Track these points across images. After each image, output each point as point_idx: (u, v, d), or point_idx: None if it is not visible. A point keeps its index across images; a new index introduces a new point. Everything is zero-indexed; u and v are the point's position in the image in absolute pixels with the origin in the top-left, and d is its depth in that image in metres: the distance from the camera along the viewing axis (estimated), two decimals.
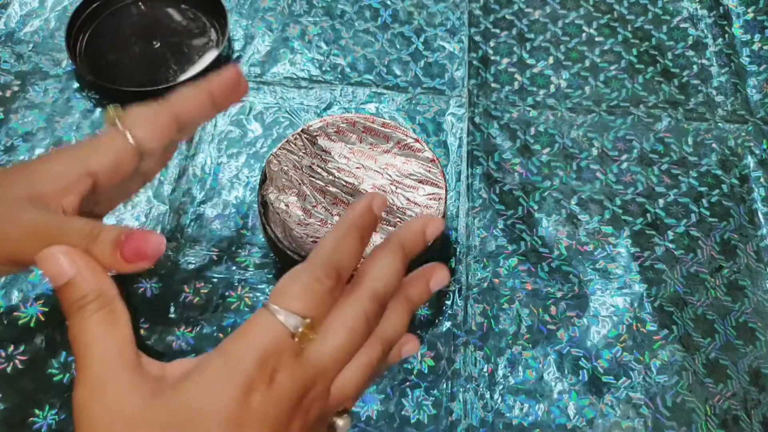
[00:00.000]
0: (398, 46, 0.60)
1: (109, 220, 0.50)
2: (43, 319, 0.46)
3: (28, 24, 0.60)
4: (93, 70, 0.57)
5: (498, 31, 0.61)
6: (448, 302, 0.47)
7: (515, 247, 0.49)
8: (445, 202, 0.44)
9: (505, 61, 0.59)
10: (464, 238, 0.50)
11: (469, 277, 0.48)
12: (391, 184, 0.44)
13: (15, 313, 0.46)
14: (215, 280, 0.48)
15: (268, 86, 0.57)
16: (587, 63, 0.59)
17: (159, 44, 0.58)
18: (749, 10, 0.62)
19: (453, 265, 0.49)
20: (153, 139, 0.36)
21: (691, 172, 0.53)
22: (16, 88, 0.56)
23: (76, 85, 0.57)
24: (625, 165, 0.53)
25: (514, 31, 0.61)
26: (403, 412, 0.43)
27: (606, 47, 0.60)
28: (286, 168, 0.45)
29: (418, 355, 0.45)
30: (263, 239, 0.48)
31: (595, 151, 0.54)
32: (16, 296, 0.47)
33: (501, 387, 0.44)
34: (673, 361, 0.45)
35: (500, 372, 0.45)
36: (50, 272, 0.28)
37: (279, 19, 0.61)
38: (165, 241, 0.29)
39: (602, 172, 0.53)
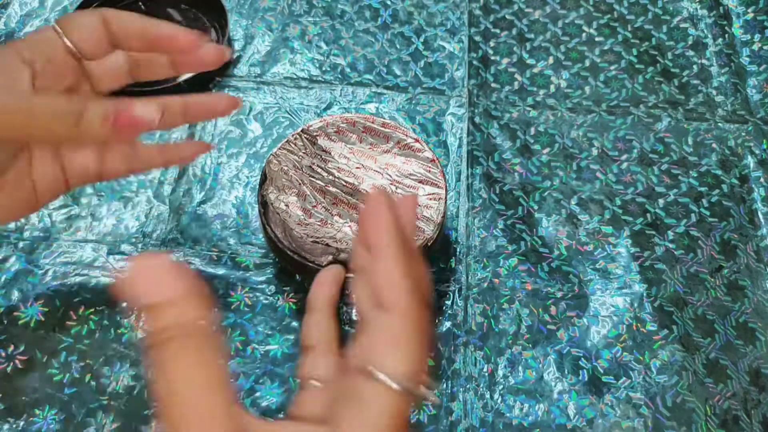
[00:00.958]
0: (398, 46, 0.60)
1: (108, 219, 0.50)
2: (43, 319, 0.46)
3: (28, 24, 0.60)
4: None
5: (498, 31, 0.61)
6: (448, 302, 0.47)
7: (515, 247, 0.49)
8: (445, 202, 0.43)
9: (505, 61, 0.59)
10: (464, 238, 0.50)
11: (469, 277, 0.48)
12: (391, 184, 0.44)
13: (15, 313, 0.46)
14: (215, 280, 0.48)
15: (268, 86, 0.57)
16: (587, 63, 0.59)
17: None
18: (749, 10, 0.62)
19: (453, 265, 0.49)
20: (88, 38, 0.31)
21: (691, 172, 0.53)
22: None
23: None
24: (625, 165, 0.53)
25: (514, 31, 0.61)
26: None
27: (606, 47, 0.60)
28: (286, 168, 0.45)
29: None
30: (263, 239, 0.48)
31: (595, 151, 0.54)
32: (16, 296, 0.47)
33: (501, 387, 0.44)
34: (673, 361, 0.45)
35: (500, 372, 0.45)
36: (142, 284, 0.24)
37: (279, 19, 0.61)
38: (157, 111, 0.27)
39: (602, 172, 0.53)
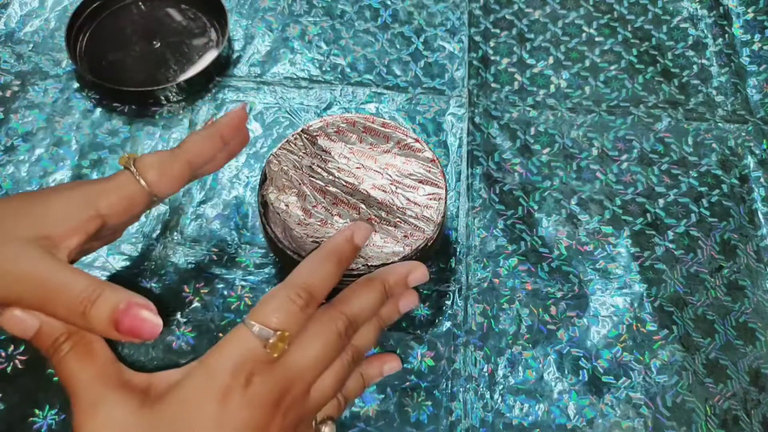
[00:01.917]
0: (398, 46, 0.60)
1: None
2: None
3: (28, 24, 0.60)
4: (93, 70, 0.57)
5: (498, 31, 0.61)
6: (448, 302, 0.47)
7: (515, 247, 0.49)
8: (445, 202, 0.43)
9: (505, 61, 0.59)
10: (464, 238, 0.50)
11: (469, 277, 0.48)
12: (391, 184, 0.44)
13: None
14: (215, 280, 0.48)
15: (268, 86, 0.57)
16: (587, 63, 0.59)
17: (159, 44, 0.58)
18: (749, 10, 0.62)
19: (453, 265, 0.49)
20: (166, 185, 0.37)
21: (691, 172, 0.53)
22: (16, 88, 0.56)
23: (76, 85, 0.57)
24: (625, 165, 0.53)
25: (514, 31, 0.61)
26: (402, 412, 0.43)
27: (606, 47, 0.60)
28: (286, 168, 0.45)
29: (418, 354, 0.45)
30: (263, 239, 0.48)
31: (595, 151, 0.54)
32: None
33: (501, 387, 0.44)
34: (673, 361, 0.45)
35: (500, 372, 0.45)
36: (17, 331, 0.30)
37: (279, 19, 0.61)
38: (161, 325, 0.30)
39: (602, 172, 0.53)
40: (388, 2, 0.62)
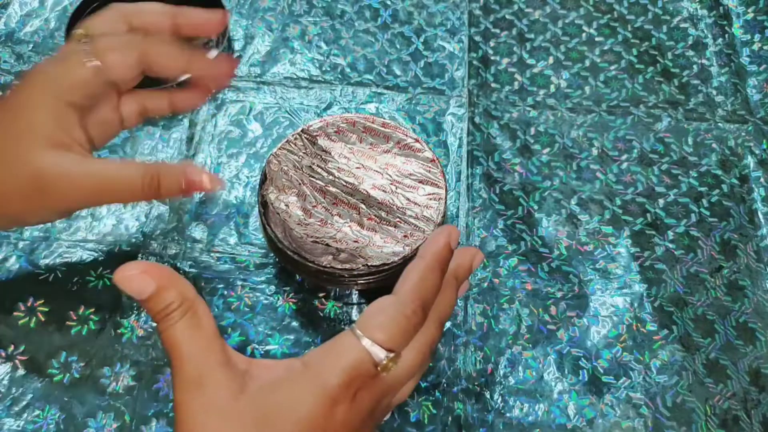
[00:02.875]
0: (398, 46, 0.60)
1: (108, 220, 0.50)
2: (43, 319, 0.46)
3: (28, 24, 0.60)
4: None
5: (498, 31, 0.61)
6: None
7: (515, 247, 0.49)
8: (445, 202, 0.44)
9: (505, 61, 0.59)
10: (464, 238, 0.50)
11: (469, 277, 0.48)
12: (391, 184, 0.44)
13: (15, 313, 0.46)
14: (215, 280, 0.48)
15: (268, 86, 0.57)
16: (587, 63, 0.59)
17: None
18: (749, 10, 0.62)
19: None
20: (122, 64, 0.38)
21: (691, 172, 0.53)
22: None
23: None
24: (625, 165, 0.53)
25: (514, 31, 0.61)
26: (403, 412, 0.43)
27: (606, 47, 0.60)
28: (286, 168, 0.45)
29: None
30: (263, 239, 0.48)
31: (595, 151, 0.54)
32: (16, 296, 0.47)
33: (501, 387, 0.44)
34: (673, 361, 0.45)
35: (500, 372, 0.45)
36: (132, 291, 0.29)
37: (279, 19, 0.61)
38: (219, 179, 0.35)
39: (602, 172, 0.53)
40: (388, 2, 0.62)
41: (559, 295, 0.48)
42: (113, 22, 0.39)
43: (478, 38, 0.60)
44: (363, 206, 0.43)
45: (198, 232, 0.50)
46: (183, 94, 0.43)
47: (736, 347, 0.46)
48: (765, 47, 0.60)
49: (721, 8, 0.62)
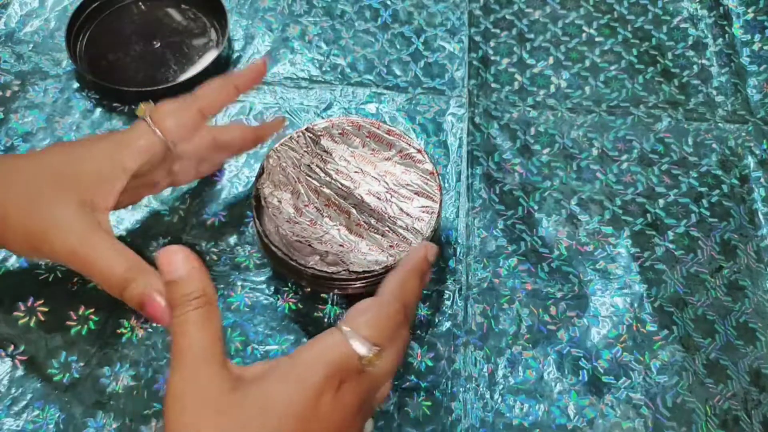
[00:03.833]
0: (398, 47, 0.60)
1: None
2: (43, 319, 0.46)
3: (28, 24, 0.60)
4: (93, 70, 0.57)
5: (498, 31, 0.61)
6: (448, 302, 0.47)
7: (515, 248, 0.49)
8: (438, 217, 0.43)
9: (506, 61, 0.59)
10: (464, 238, 0.50)
11: (469, 277, 0.48)
12: (386, 192, 0.44)
13: (15, 313, 0.46)
14: (215, 280, 0.48)
15: (268, 86, 0.57)
16: (587, 63, 0.59)
17: (159, 44, 0.58)
18: (749, 10, 0.62)
19: (453, 265, 0.49)
20: (180, 132, 0.41)
21: (691, 172, 0.53)
22: (16, 88, 0.56)
23: (76, 85, 0.57)
24: (625, 165, 0.53)
25: (514, 31, 0.61)
26: (403, 412, 0.43)
27: (606, 47, 0.60)
28: (284, 164, 0.45)
29: (418, 354, 0.45)
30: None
31: (595, 152, 0.54)
32: (16, 296, 0.47)
33: (501, 387, 0.44)
34: (674, 362, 0.45)
35: (500, 372, 0.45)
36: (165, 267, 0.31)
37: (279, 19, 0.61)
38: (169, 316, 0.32)
39: (602, 173, 0.53)
40: (388, 2, 0.62)
41: (559, 295, 0.47)
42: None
43: (478, 38, 0.60)
44: (354, 211, 0.43)
45: (198, 231, 0.50)
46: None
47: (736, 347, 0.46)
48: (765, 47, 0.60)
49: (721, 8, 0.62)
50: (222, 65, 0.58)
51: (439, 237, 0.48)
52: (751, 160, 0.54)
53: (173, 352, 0.30)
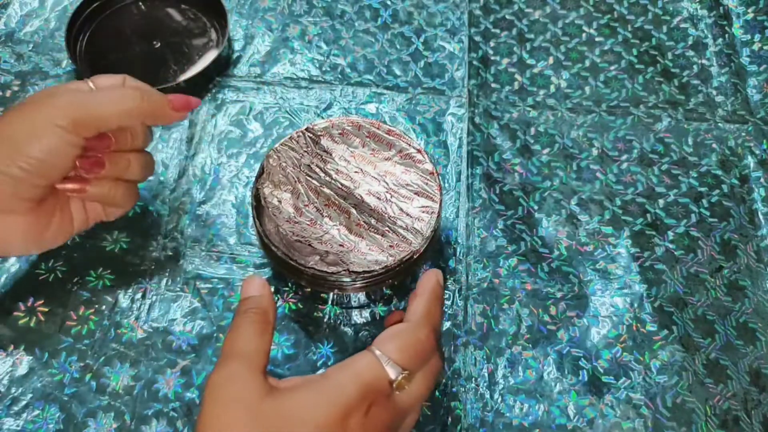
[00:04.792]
0: (398, 47, 0.60)
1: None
2: (43, 319, 0.46)
3: (28, 24, 0.60)
4: (93, 70, 0.57)
5: (498, 31, 0.61)
6: (448, 302, 0.47)
7: (515, 248, 0.49)
8: (438, 216, 0.43)
9: (505, 61, 0.59)
10: (464, 238, 0.50)
11: (469, 277, 0.48)
12: (386, 192, 0.44)
13: (15, 313, 0.46)
14: (215, 280, 0.48)
15: (268, 86, 0.57)
16: (587, 63, 0.59)
17: (159, 44, 0.58)
18: (749, 10, 0.62)
19: (453, 265, 0.49)
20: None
21: (691, 172, 0.53)
22: (16, 88, 0.56)
23: None
24: (625, 165, 0.53)
25: (514, 31, 0.61)
26: None
27: (606, 47, 0.60)
28: (284, 164, 0.45)
29: None
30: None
31: (595, 152, 0.54)
32: (16, 296, 0.47)
33: (501, 387, 0.44)
34: (673, 362, 0.45)
35: (500, 372, 0.45)
36: (245, 286, 0.36)
37: (279, 19, 0.61)
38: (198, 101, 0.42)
39: (602, 173, 0.53)
40: (388, 2, 0.62)
41: (559, 295, 0.47)
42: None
43: (478, 38, 0.60)
44: (354, 211, 0.43)
45: (198, 232, 0.50)
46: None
47: (736, 347, 0.46)
48: (765, 47, 0.60)
49: (721, 8, 0.62)
50: (222, 65, 0.58)
51: (439, 237, 0.48)
52: (751, 160, 0.54)
53: (224, 350, 0.33)
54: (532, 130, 0.55)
